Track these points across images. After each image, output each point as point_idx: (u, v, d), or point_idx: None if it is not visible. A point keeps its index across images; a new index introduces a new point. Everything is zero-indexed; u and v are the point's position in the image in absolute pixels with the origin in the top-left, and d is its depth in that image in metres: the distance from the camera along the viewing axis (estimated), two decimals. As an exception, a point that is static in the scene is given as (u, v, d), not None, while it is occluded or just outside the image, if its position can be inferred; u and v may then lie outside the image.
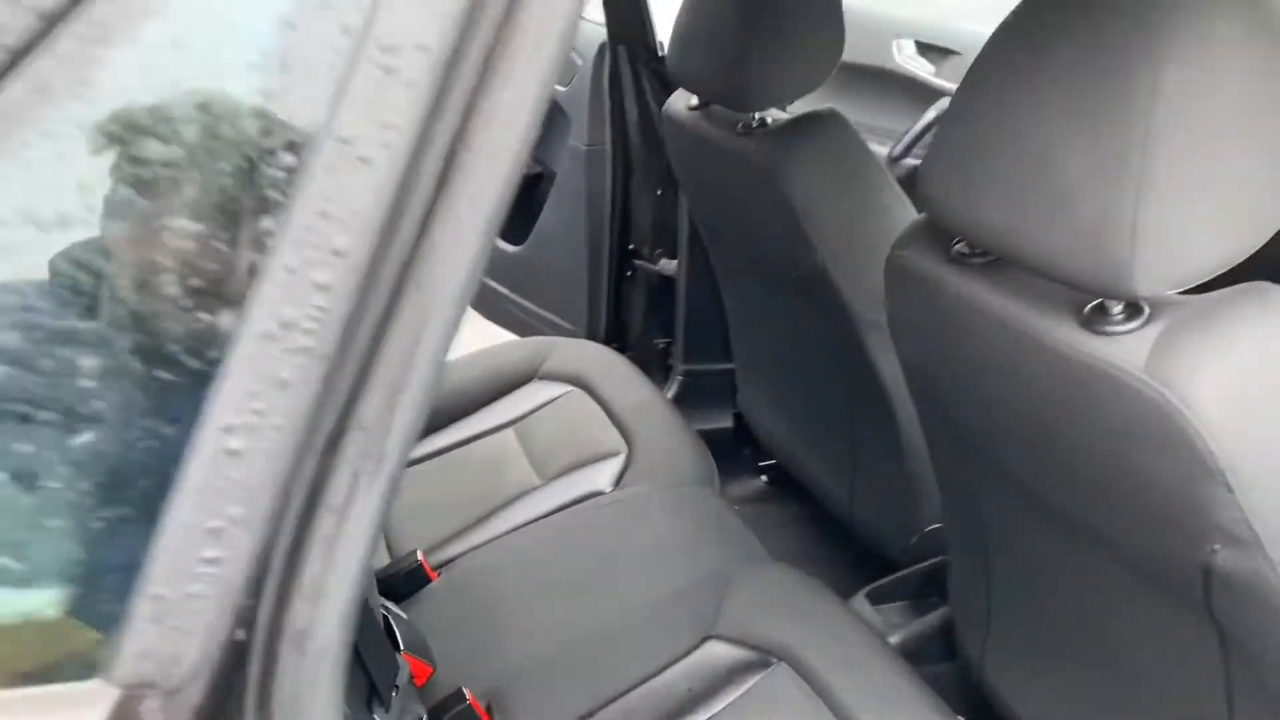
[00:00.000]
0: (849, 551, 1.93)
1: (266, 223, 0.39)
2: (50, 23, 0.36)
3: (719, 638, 1.31)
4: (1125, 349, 0.88)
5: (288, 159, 0.38)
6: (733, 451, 2.29)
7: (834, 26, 1.54)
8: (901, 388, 1.58)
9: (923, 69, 2.87)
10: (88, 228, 0.42)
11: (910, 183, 2.37)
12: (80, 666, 0.37)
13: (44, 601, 0.38)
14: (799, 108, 1.66)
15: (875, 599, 1.74)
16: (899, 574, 1.75)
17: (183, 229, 0.41)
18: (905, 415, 1.64)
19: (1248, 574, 0.86)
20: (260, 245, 0.38)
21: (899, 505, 1.74)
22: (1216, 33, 0.82)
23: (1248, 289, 0.88)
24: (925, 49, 2.90)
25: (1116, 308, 0.89)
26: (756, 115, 1.61)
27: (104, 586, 0.37)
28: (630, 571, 1.48)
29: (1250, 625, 0.91)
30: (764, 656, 1.27)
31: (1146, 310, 0.89)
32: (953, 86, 2.85)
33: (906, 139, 2.79)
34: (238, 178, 0.40)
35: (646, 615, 1.39)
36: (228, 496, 0.38)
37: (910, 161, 2.84)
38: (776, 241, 1.63)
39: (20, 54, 0.36)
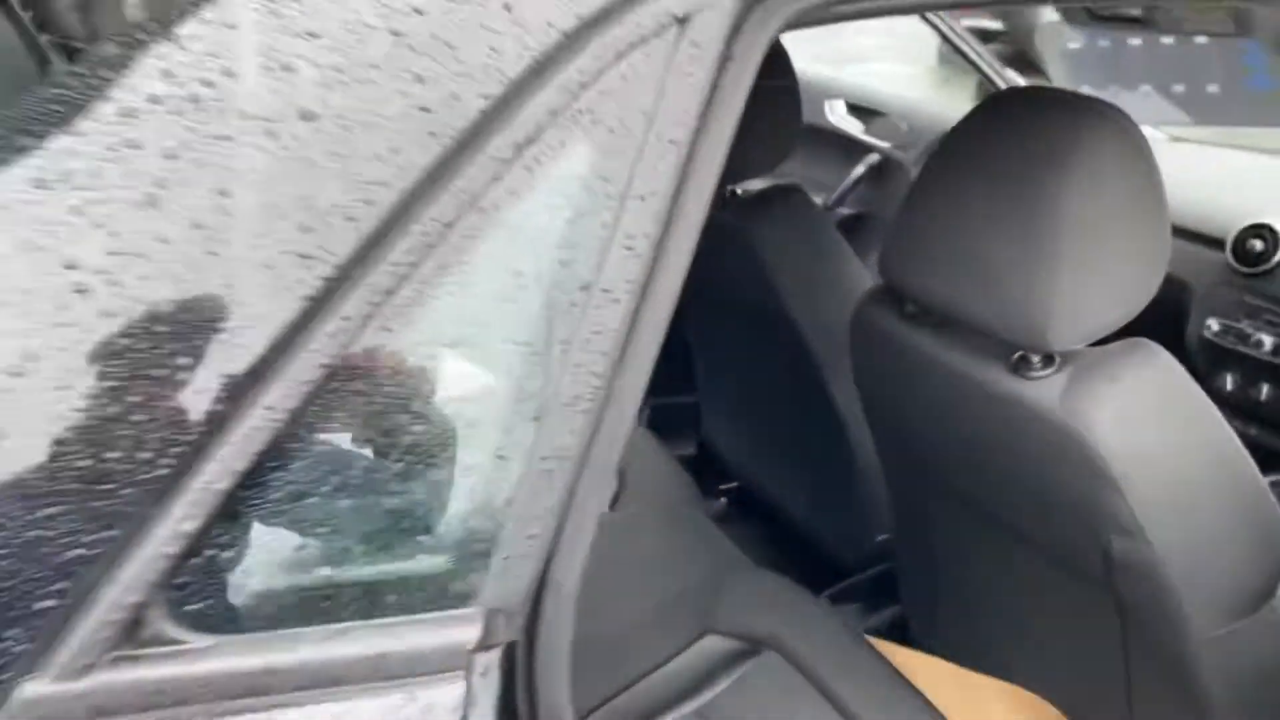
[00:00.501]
0: (806, 561, 2.19)
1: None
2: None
3: (715, 632, 1.56)
4: (1042, 390, 1.15)
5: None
6: (695, 477, 2.55)
7: (794, 113, 1.82)
8: (855, 415, 1.86)
9: (854, 127, 3.19)
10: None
11: (844, 229, 2.67)
12: (463, 598, 0.60)
13: (442, 559, 0.61)
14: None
15: (833, 601, 2.00)
16: (853, 579, 2.02)
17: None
18: (857, 440, 1.92)
19: (1135, 555, 1.14)
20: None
21: (852, 519, 2.01)
22: (1104, 152, 1.11)
23: (1132, 343, 1.17)
24: (855, 109, 3.22)
25: (1036, 358, 1.17)
26: (728, 188, 1.89)
27: (474, 552, 0.60)
28: (631, 579, 1.72)
29: (1139, 594, 1.19)
30: (755, 646, 1.52)
31: (1058, 360, 1.17)
32: (880, 143, 3.17)
33: (839, 190, 3.10)
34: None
35: (649, 616, 1.63)
36: (543, 502, 0.61)
37: (843, 211, 3.15)
38: (746, 292, 1.91)
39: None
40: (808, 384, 1.93)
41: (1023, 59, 2.85)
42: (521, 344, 0.62)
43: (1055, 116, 1.14)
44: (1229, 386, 2.20)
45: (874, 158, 3.09)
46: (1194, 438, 1.16)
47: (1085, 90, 1.66)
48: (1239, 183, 2.45)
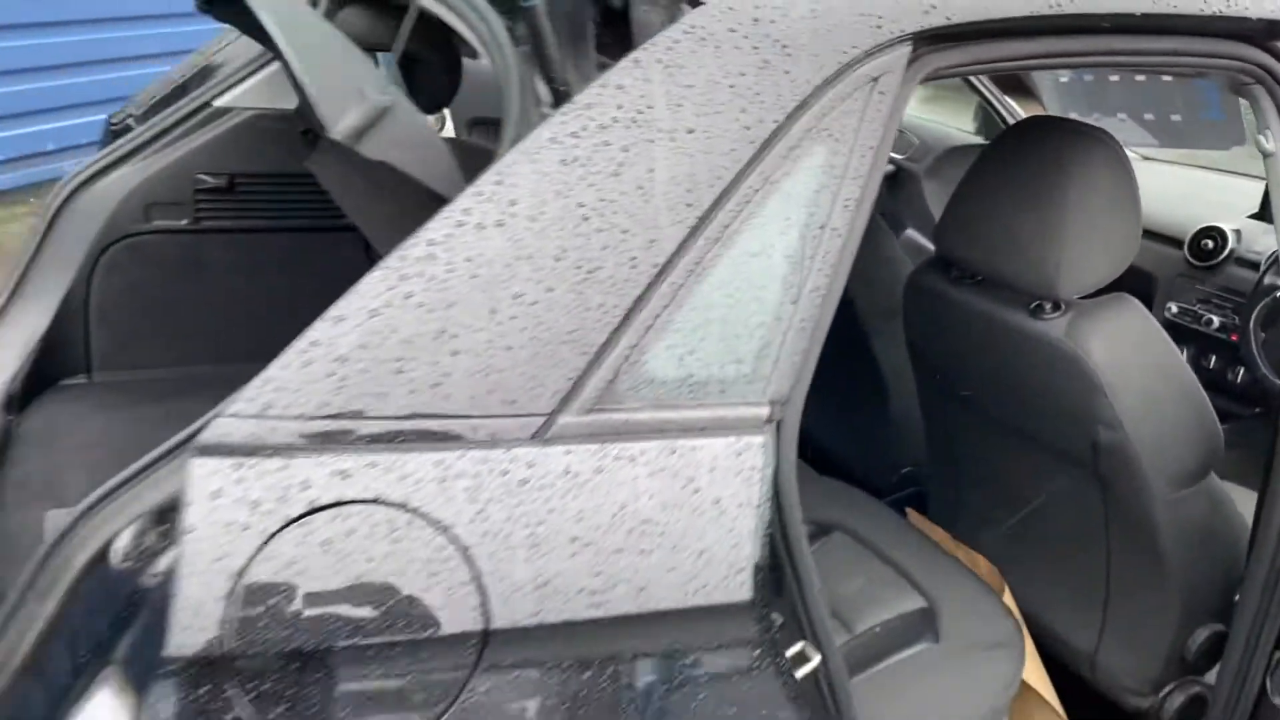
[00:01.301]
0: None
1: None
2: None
3: (796, 520, 2.06)
4: (1052, 327, 1.66)
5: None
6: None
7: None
8: (893, 369, 2.38)
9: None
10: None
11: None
12: (763, 390, 1.10)
13: (754, 368, 1.11)
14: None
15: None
16: (887, 499, 2.53)
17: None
18: (894, 389, 2.43)
19: (1115, 442, 1.65)
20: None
21: (885, 453, 2.53)
22: (1098, 163, 1.62)
23: (1116, 295, 1.68)
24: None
25: (1048, 305, 1.68)
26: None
27: (768, 365, 1.11)
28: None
29: (1118, 471, 1.70)
30: (826, 528, 2.02)
31: (1063, 306, 1.67)
32: (895, 155, 3.67)
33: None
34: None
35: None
36: (800, 345, 1.12)
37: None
38: None
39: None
40: (855, 344, 2.44)
41: (1019, 87, 3.38)
42: (790, 257, 1.10)
43: (1064, 138, 1.65)
44: (1185, 358, 2.74)
45: (889, 168, 3.62)
46: (1158, 360, 1.67)
47: (1073, 116, 2.17)
48: (1195, 194, 3.01)
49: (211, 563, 0.91)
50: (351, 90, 1.12)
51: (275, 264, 2.25)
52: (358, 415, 0.98)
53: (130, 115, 2.16)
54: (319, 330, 0.99)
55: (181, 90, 2.17)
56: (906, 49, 1.17)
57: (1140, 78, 2.74)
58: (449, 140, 2.24)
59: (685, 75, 1.09)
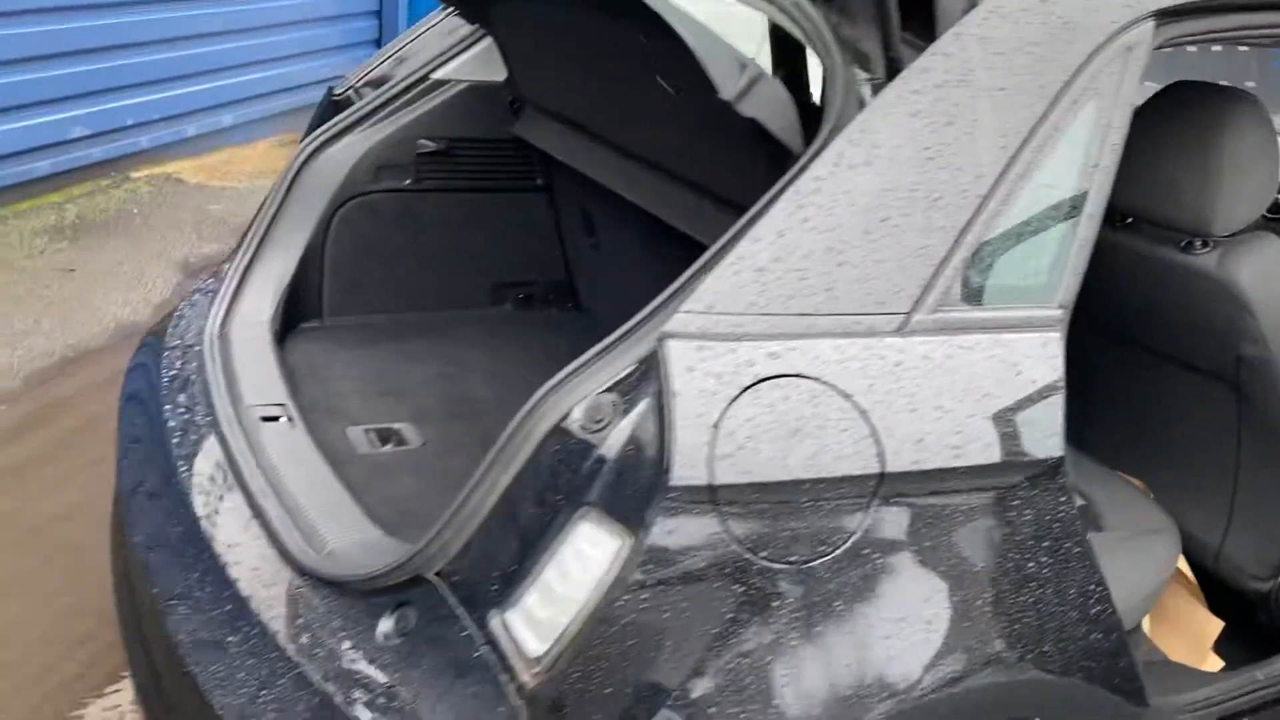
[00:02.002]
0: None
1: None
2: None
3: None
4: (1203, 260, 1.96)
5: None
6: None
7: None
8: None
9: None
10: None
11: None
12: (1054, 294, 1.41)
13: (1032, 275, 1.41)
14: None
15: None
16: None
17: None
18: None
19: (1259, 356, 1.96)
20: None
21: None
22: (1244, 117, 1.91)
23: (1257, 232, 1.98)
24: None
25: (1198, 242, 1.97)
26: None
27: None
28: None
29: (1257, 385, 2.00)
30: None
31: (1212, 243, 1.97)
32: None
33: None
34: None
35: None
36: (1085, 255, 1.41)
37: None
38: None
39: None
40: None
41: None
42: (1073, 189, 1.40)
43: (1217, 98, 1.94)
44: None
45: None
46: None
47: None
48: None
49: (695, 418, 1.20)
50: (734, 59, 1.40)
51: (478, 220, 2.51)
52: (774, 313, 1.26)
53: (351, 87, 2.41)
54: (742, 248, 1.27)
55: (397, 64, 2.42)
56: (1152, 23, 1.46)
57: (1217, 49, 3.06)
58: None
59: (994, 45, 1.38)
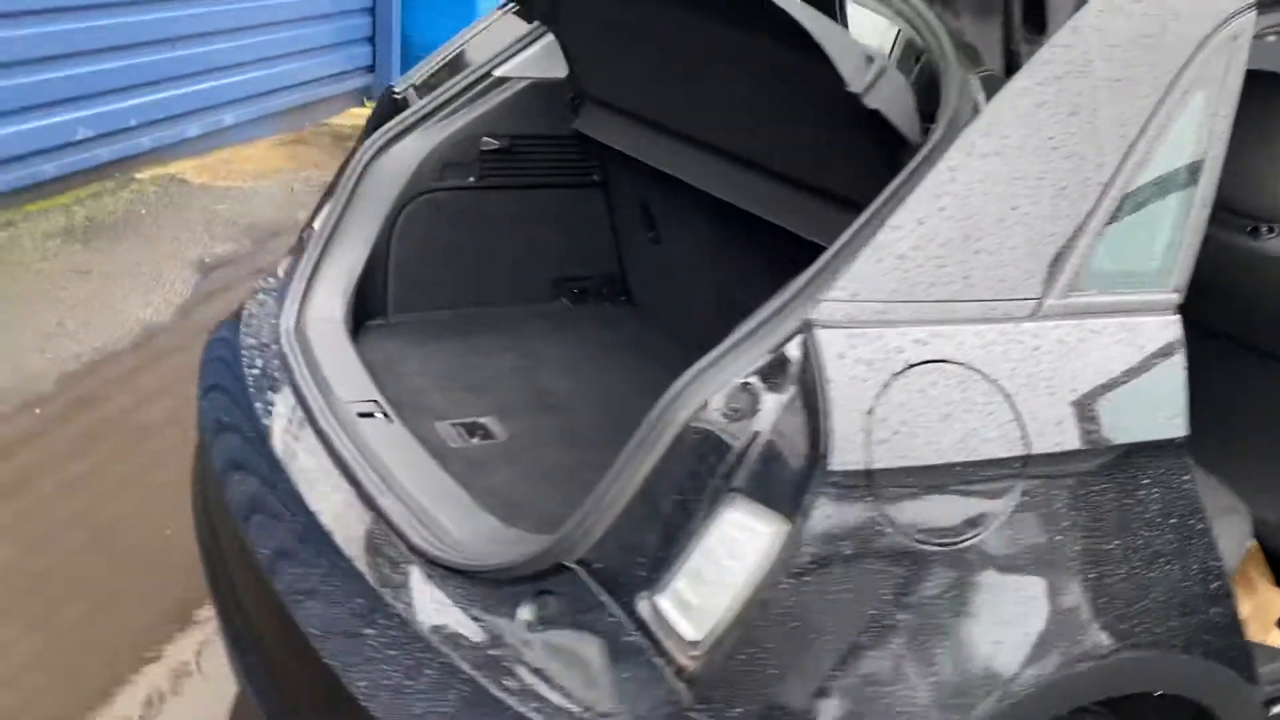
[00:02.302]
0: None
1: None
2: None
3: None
4: (1272, 245, 2.01)
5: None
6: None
7: None
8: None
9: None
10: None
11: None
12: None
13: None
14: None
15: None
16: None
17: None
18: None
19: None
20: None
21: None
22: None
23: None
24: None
25: (1265, 229, 2.03)
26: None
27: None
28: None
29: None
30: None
31: (1277, 230, 2.02)
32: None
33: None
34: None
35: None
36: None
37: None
38: None
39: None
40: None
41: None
42: (1186, 177, 1.43)
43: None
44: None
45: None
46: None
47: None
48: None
49: (850, 404, 1.23)
50: (861, 54, 1.43)
51: (537, 216, 2.52)
52: (917, 300, 1.29)
53: (411, 85, 2.41)
54: (883, 236, 1.30)
55: (455, 63, 2.43)
56: (1253, 13, 1.50)
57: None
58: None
59: (1110, 37, 1.41)
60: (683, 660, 1.25)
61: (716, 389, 1.32)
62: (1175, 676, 1.45)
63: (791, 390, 1.26)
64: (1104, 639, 1.34)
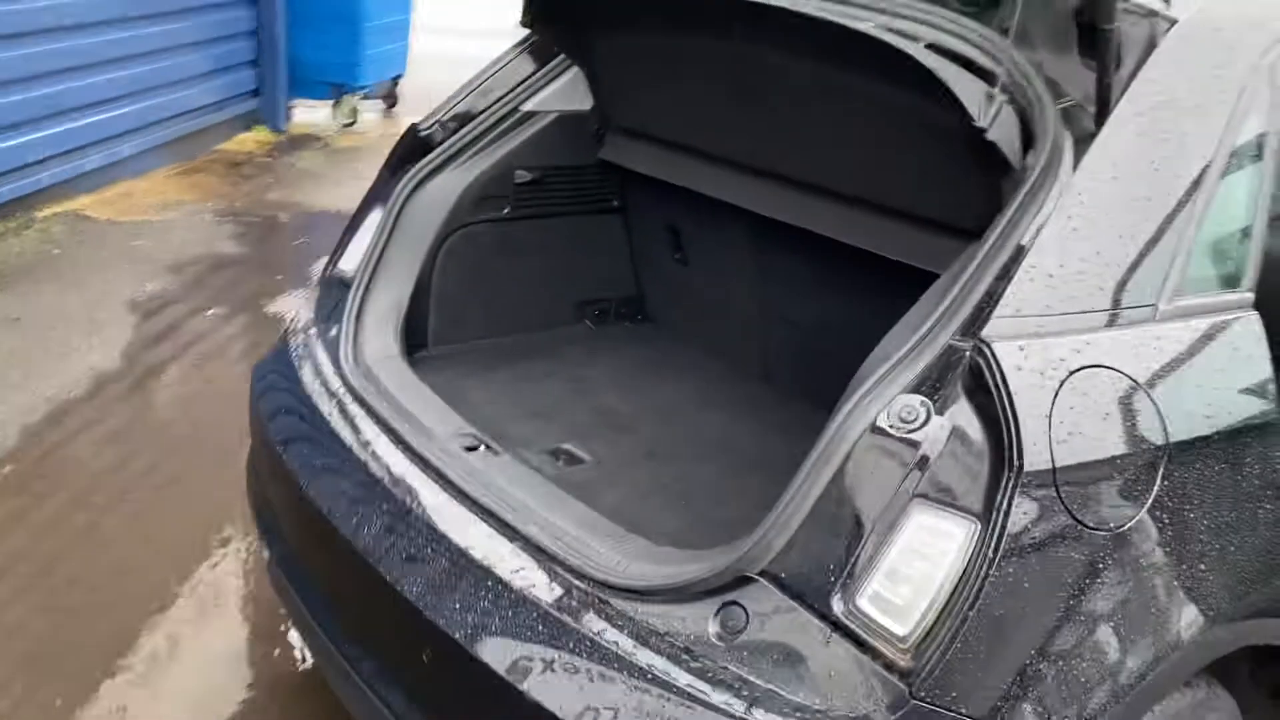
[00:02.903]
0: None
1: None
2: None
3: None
4: None
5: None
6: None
7: None
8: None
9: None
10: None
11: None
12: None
13: None
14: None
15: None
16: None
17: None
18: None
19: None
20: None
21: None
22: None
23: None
24: None
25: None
26: None
27: None
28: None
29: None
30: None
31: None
32: None
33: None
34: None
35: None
36: None
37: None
38: None
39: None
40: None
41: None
42: (1252, 186, 1.63)
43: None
44: None
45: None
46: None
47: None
48: None
49: (1032, 410, 1.36)
50: (981, 89, 1.57)
51: (563, 243, 2.59)
52: (1067, 311, 1.45)
53: (437, 122, 2.44)
54: (1032, 258, 1.44)
55: (476, 100, 2.47)
56: None
57: None
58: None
59: (1187, 68, 1.60)
60: (894, 656, 1.36)
61: (886, 404, 1.44)
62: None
63: (968, 401, 1.39)
64: (1228, 602, 1.53)
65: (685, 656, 1.46)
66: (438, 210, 2.34)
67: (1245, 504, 1.57)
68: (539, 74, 2.46)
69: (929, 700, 1.34)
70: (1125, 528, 1.42)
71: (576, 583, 1.57)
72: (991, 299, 1.43)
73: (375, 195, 2.42)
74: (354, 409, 1.99)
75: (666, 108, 2.39)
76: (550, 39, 2.39)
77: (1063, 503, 1.38)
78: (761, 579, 1.46)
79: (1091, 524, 1.40)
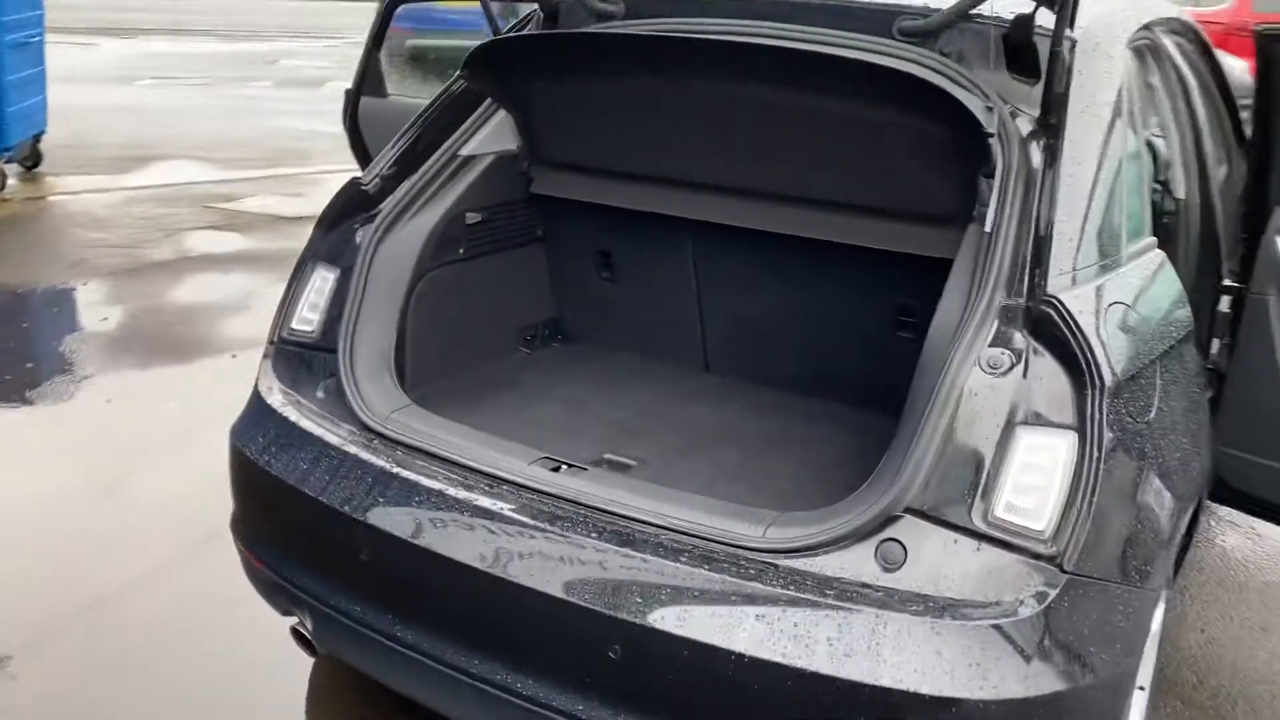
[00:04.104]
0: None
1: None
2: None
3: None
4: None
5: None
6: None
7: None
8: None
9: None
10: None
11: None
12: None
13: None
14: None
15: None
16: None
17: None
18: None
19: None
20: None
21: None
22: None
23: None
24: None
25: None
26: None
27: None
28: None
29: None
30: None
31: None
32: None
33: None
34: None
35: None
36: None
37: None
38: None
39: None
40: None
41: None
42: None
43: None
44: None
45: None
46: None
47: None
48: None
49: (1095, 340, 1.80)
50: (983, 103, 1.97)
51: (504, 276, 2.74)
52: (1087, 264, 1.90)
53: (378, 175, 2.49)
54: (1060, 226, 1.88)
55: (413, 147, 2.55)
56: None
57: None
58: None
59: (1091, 76, 2.12)
60: (1038, 548, 1.73)
61: (974, 360, 1.80)
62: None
63: (1045, 344, 1.79)
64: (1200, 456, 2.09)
65: (865, 589, 1.74)
66: (405, 259, 2.42)
67: (1192, 389, 2.12)
68: (470, 120, 2.60)
69: (1076, 572, 1.72)
70: (1150, 416, 1.90)
71: (746, 554, 1.80)
72: (1028, 266, 1.84)
73: (314, 253, 2.45)
74: (409, 466, 2.05)
75: (599, 139, 2.62)
76: (485, 88, 2.54)
77: (1125, 406, 1.82)
78: (908, 514, 1.77)
79: (1139, 417, 1.86)
